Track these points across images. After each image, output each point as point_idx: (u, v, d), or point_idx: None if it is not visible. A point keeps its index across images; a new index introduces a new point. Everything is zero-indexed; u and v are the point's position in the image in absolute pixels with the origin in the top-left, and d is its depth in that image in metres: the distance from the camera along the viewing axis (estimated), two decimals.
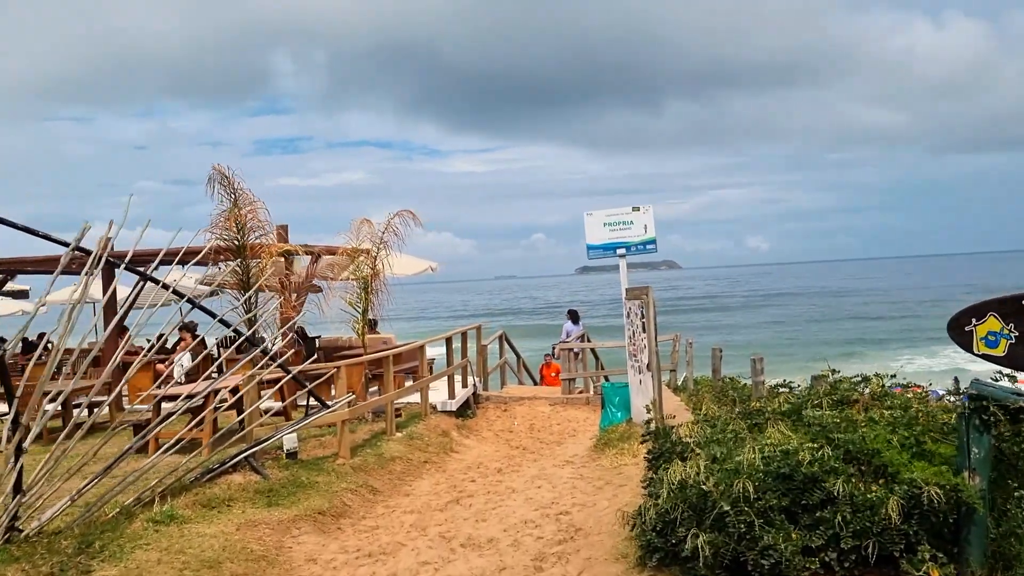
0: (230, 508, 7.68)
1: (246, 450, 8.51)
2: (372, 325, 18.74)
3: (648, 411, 8.28)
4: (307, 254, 13.23)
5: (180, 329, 14.85)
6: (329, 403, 10.35)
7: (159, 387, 10.46)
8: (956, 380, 17.47)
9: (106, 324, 11.05)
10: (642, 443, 7.21)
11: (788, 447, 5.07)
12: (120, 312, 8.15)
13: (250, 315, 10.16)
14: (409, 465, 10.43)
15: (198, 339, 10.70)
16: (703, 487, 4.96)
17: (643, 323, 10.08)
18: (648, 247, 11.45)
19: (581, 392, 17.71)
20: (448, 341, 15.11)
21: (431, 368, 17.16)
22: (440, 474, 10.39)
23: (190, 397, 9.57)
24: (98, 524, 7.19)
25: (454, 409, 14.49)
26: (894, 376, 6.67)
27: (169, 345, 14.98)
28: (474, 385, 16.58)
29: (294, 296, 14.43)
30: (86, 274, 7.06)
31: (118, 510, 7.39)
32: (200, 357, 12.61)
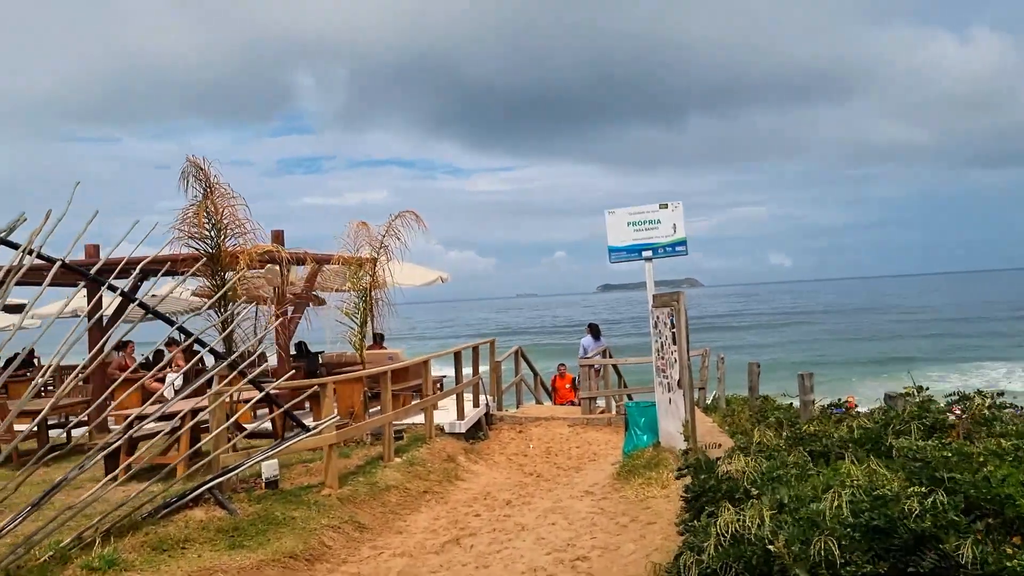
0: (184, 551, 6.45)
1: (209, 480, 7.28)
2: (378, 339, 17.57)
3: (683, 437, 6.96)
4: (296, 262, 12.10)
5: (170, 345, 13.77)
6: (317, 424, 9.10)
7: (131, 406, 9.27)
8: None
9: (90, 339, 9.97)
10: (678, 477, 5.90)
11: (882, 490, 3.75)
12: (127, 325, 6.94)
13: (227, 331, 8.91)
14: (406, 496, 9.15)
15: (197, 356, 9.50)
16: (768, 545, 3.66)
17: (673, 334, 8.79)
18: (678, 249, 10.17)
19: (602, 412, 16.39)
20: (456, 356, 13.85)
21: (440, 386, 15.94)
22: (441, 506, 9.10)
23: (167, 417, 8.42)
24: (25, 571, 6.01)
25: (463, 431, 13.22)
26: (1002, 395, 5.30)
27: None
28: (487, 405, 15.31)
29: (290, 309, 13.26)
30: (11, 271, 5.89)
31: (51, 553, 6.20)
32: (203, 375, 11.44)
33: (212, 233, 8.75)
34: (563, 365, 19.63)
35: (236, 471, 7.50)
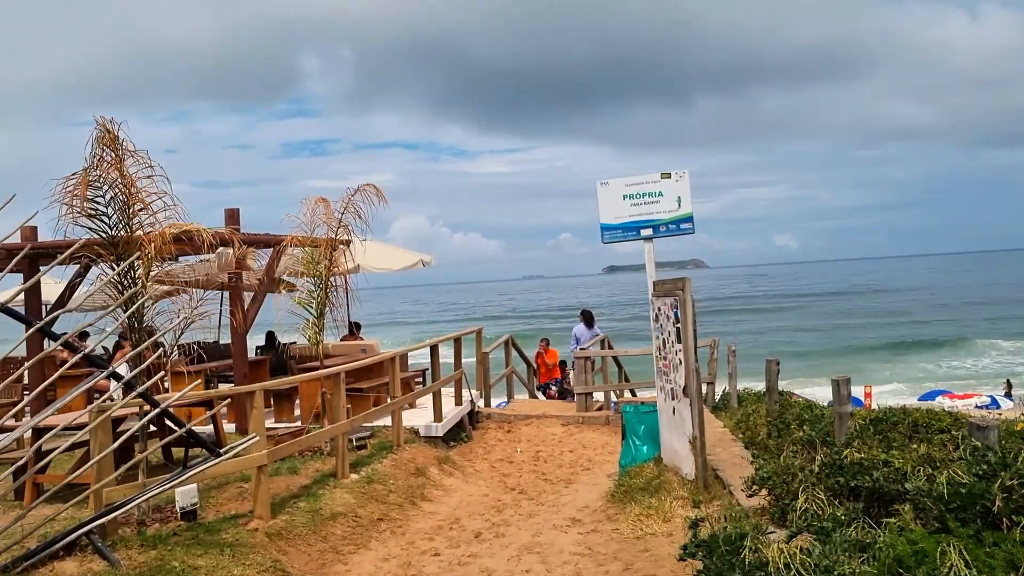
0: None
1: (87, 522, 5.72)
2: (355, 329, 16.00)
3: (691, 460, 5.37)
4: (222, 243, 10.50)
5: (120, 337, 12.24)
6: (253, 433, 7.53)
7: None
8: None
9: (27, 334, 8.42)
10: (682, 558, 4.23)
11: None
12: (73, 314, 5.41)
13: (131, 326, 7.30)
14: (355, 527, 7.58)
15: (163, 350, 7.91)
16: None
17: (678, 329, 7.18)
18: (683, 227, 8.54)
19: (600, 409, 14.83)
20: (433, 350, 12.25)
21: (423, 381, 14.43)
22: (396, 539, 7.52)
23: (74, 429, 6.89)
24: None
25: (440, 435, 11.67)
26: None
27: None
28: (471, 402, 13.77)
29: (248, 297, 11.69)
30: None
31: None
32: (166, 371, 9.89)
33: (112, 211, 7.13)
34: (546, 340, 18.09)
35: (122, 509, 5.92)
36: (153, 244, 7.29)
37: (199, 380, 12.61)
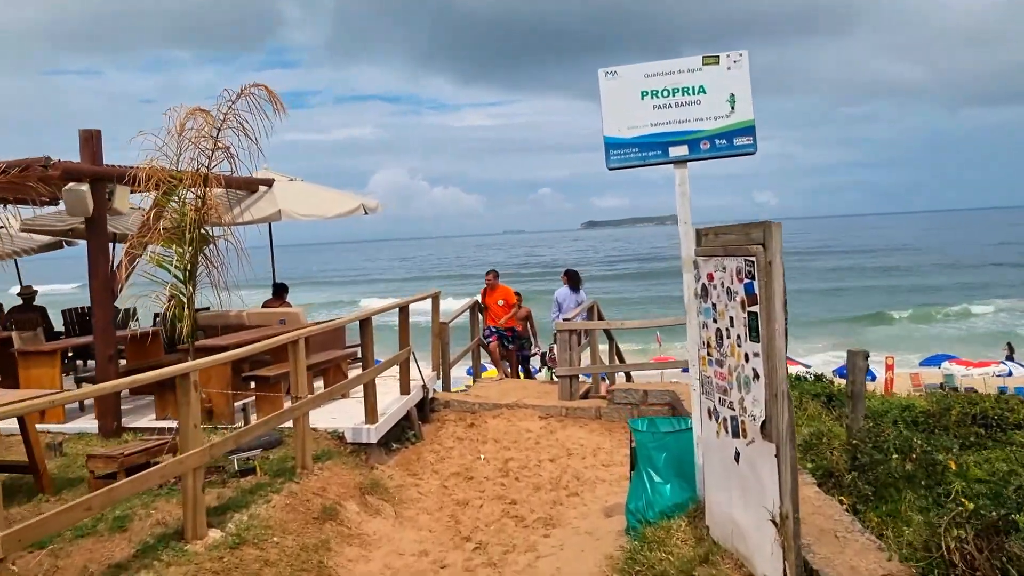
0: None
1: None
2: (280, 292, 12.73)
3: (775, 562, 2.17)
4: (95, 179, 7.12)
5: None
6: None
7: None
8: None
9: None
10: None
11: None
12: None
13: None
14: None
15: None
16: None
17: (750, 316, 3.98)
18: (738, 143, 5.29)
19: (587, 391, 11.73)
20: (364, 326, 8.98)
21: (360, 362, 11.27)
22: None
23: None
24: None
25: (375, 440, 8.51)
26: None
27: None
28: (423, 387, 10.61)
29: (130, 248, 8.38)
30: None
31: None
32: None
33: None
34: (492, 273, 13.68)
35: None
36: None
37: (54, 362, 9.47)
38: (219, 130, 6.85)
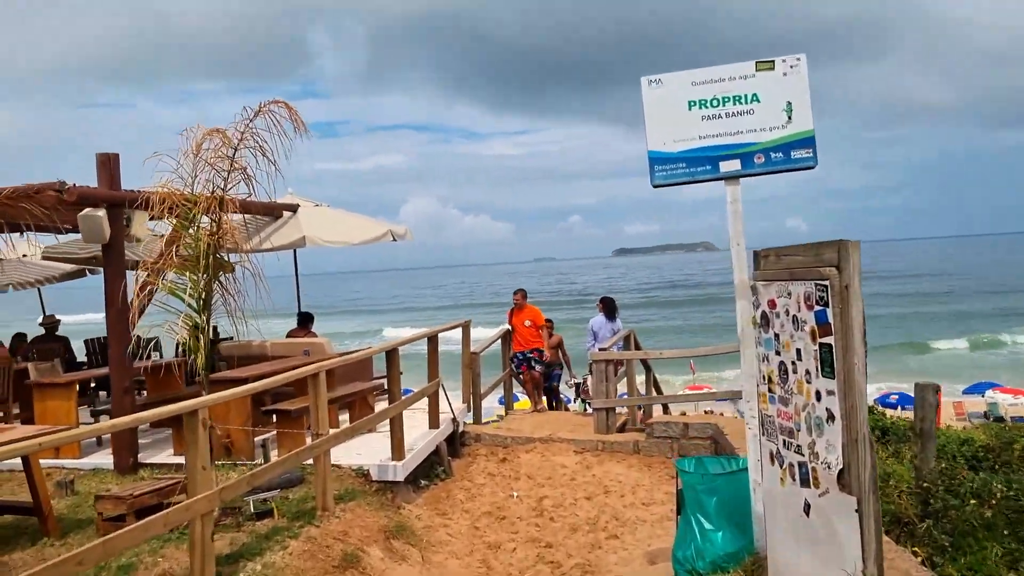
0: None
1: None
2: (305, 322, 12.36)
3: None
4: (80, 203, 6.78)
5: None
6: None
7: None
8: None
9: None
10: None
11: None
12: None
13: None
14: None
15: None
16: None
17: (822, 348, 3.47)
18: (797, 156, 4.80)
19: (624, 428, 11.18)
20: (391, 358, 8.52)
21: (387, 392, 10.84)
22: None
23: None
24: None
25: (402, 477, 8.05)
26: None
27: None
28: (453, 421, 10.15)
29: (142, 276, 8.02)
30: None
31: None
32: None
33: None
34: (521, 292, 12.75)
35: None
36: None
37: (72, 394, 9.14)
38: (236, 150, 6.49)
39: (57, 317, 13.06)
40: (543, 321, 12.60)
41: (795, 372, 3.75)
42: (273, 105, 6.46)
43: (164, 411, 5.03)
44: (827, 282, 3.36)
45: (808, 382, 3.61)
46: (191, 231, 6.56)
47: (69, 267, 12.89)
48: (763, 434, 4.23)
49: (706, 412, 29.60)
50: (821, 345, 3.46)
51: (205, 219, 6.67)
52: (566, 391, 14.66)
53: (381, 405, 9.44)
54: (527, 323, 12.38)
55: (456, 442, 10.32)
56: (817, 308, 3.48)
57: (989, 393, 25.95)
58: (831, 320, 3.37)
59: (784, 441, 3.91)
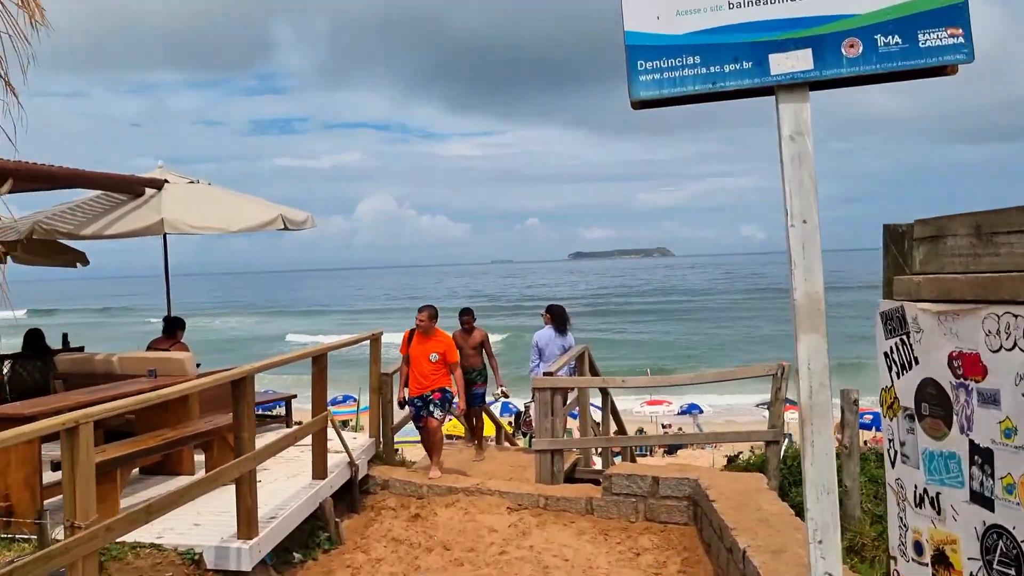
0: None
1: None
2: (172, 328, 9.70)
3: None
4: None
5: None
6: None
7: None
8: None
9: None
10: None
11: None
12: None
13: None
14: None
15: None
16: None
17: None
18: (929, 41, 2.36)
19: (575, 472, 8.74)
20: (236, 384, 5.85)
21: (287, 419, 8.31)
22: None
23: None
24: None
25: (248, 567, 5.49)
26: None
27: None
28: (350, 466, 7.65)
29: None
30: None
31: None
32: None
33: None
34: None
35: None
36: None
37: None
38: None
39: None
40: (455, 358, 8.58)
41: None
42: None
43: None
44: None
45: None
46: None
47: None
48: (898, 495, 1.76)
49: (664, 427, 27.42)
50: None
51: None
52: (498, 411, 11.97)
53: (264, 440, 6.66)
54: (433, 357, 8.45)
55: (355, 491, 7.83)
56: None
57: None
58: None
59: (912, 498, 1.45)
